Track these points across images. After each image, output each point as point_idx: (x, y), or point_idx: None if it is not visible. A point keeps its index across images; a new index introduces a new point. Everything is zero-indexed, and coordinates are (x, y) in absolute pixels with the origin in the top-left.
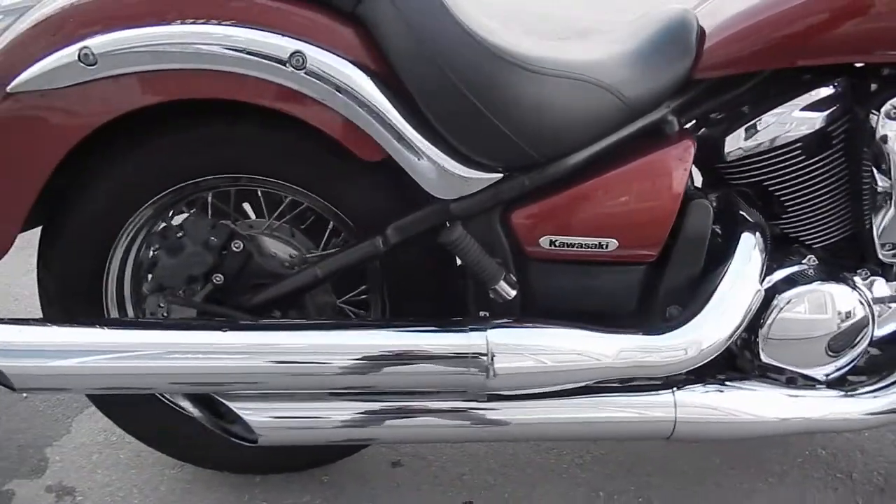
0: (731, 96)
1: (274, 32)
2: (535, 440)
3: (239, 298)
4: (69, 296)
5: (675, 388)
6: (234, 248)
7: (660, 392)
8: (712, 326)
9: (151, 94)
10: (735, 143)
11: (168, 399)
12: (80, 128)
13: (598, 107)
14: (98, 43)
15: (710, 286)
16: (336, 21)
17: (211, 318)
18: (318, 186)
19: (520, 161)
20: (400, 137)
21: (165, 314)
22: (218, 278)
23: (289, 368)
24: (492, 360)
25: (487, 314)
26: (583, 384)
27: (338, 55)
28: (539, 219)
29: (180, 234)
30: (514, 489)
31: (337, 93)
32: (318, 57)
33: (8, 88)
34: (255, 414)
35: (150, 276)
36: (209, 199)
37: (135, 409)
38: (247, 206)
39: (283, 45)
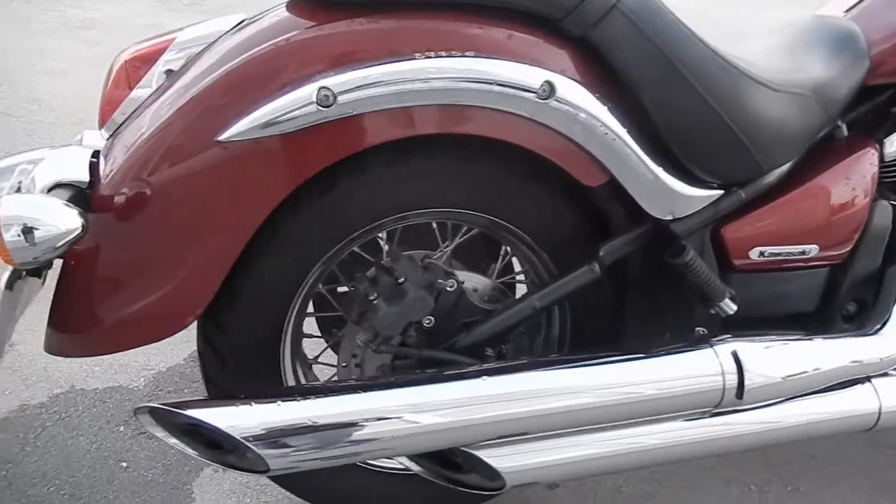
0: (884, 99)
1: (516, 62)
2: (756, 448)
3: (447, 340)
4: (247, 358)
5: (870, 380)
6: (448, 288)
7: (859, 386)
8: None
9: (380, 134)
10: (891, 145)
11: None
12: (297, 175)
13: (810, 119)
14: (338, 83)
15: (891, 280)
16: (564, 46)
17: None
18: (511, 215)
19: (747, 175)
20: (631, 161)
21: (358, 365)
22: (429, 320)
23: (555, 410)
24: (743, 374)
25: (705, 330)
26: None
27: (573, 79)
28: (752, 231)
29: (401, 280)
30: (673, 493)
31: (576, 120)
32: (566, 85)
33: (221, 137)
34: (499, 459)
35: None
36: (381, 237)
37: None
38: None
39: (534, 74)
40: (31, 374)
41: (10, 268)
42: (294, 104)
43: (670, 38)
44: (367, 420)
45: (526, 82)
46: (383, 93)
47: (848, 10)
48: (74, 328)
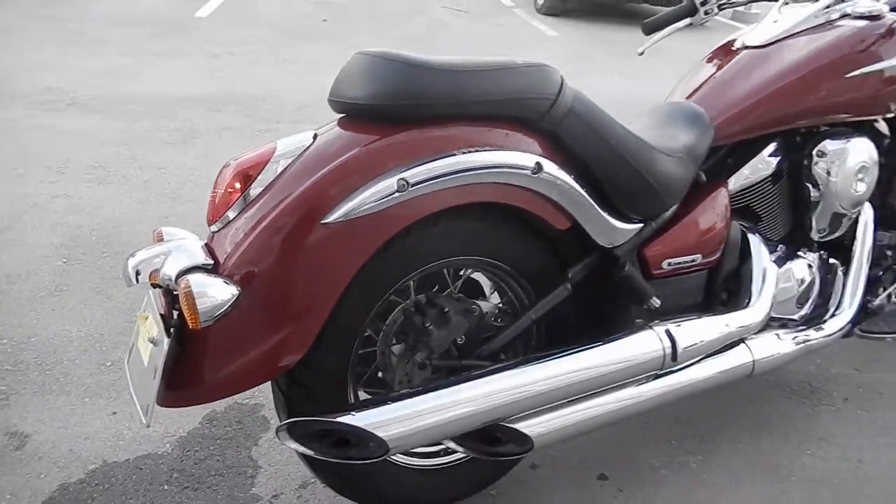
0: (722, 155)
1: (517, 151)
2: (682, 399)
3: (475, 351)
4: (328, 385)
5: (744, 341)
6: (473, 312)
7: (736, 347)
8: (767, 298)
9: (431, 207)
10: (733, 183)
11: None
12: (377, 240)
13: (688, 172)
14: (411, 174)
15: (747, 273)
16: (541, 137)
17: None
18: (507, 256)
19: (657, 212)
20: (589, 210)
21: (410, 381)
22: (461, 339)
23: (572, 386)
24: (675, 346)
25: (642, 320)
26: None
27: (550, 160)
28: (662, 249)
29: (446, 309)
30: (625, 452)
31: (555, 186)
32: (548, 164)
33: (328, 220)
34: (526, 427)
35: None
36: (412, 284)
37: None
38: None
39: (529, 158)
40: (59, 457)
41: (153, 334)
42: (382, 191)
43: (607, 128)
44: (452, 405)
45: (525, 164)
46: (440, 179)
47: (689, 96)
48: (199, 381)
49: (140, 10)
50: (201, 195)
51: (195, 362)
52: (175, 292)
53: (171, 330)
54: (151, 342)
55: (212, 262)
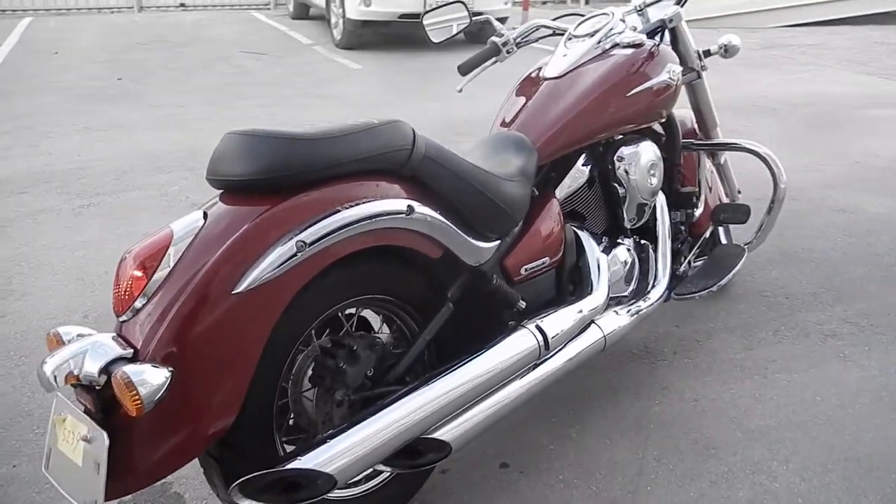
0: (546, 171)
1: (390, 198)
2: (558, 380)
3: (383, 378)
4: (258, 441)
5: (594, 322)
6: (377, 345)
7: (589, 328)
8: (605, 282)
9: (328, 258)
10: (560, 193)
11: None
12: (285, 300)
13: (526, 192)
14: (307, 234)
15: (585, 265)
16: (406, 182)
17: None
18: (394, 289)
19: (509, 229)
20: (456, 237)
21: (331, 419)
22: (370, 370)
23: (473, 390)
24: (546, 338)
25: (514, 322)
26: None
27: (418, 201)
28: (518, 258)
29: (355, 347)
30: (515, 440)
31: (426, 222)
32: (417, 205)
33: (237, 290)
34: (443, 434)
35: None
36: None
37: None
38: None
39: (401, 202)
40: None
41: (82, 433)
42: (284, 254)
43: (457, 165)
44: (380, 431)
45: (400, 209)
46: (333, 234)
47: (510, 125)
48: (144, 464)
49: None
50: (35, 286)
51: (137, 448)
52: (97, 388)
53: (103, 423)
54: (85, 440)
55: (131, 351)
